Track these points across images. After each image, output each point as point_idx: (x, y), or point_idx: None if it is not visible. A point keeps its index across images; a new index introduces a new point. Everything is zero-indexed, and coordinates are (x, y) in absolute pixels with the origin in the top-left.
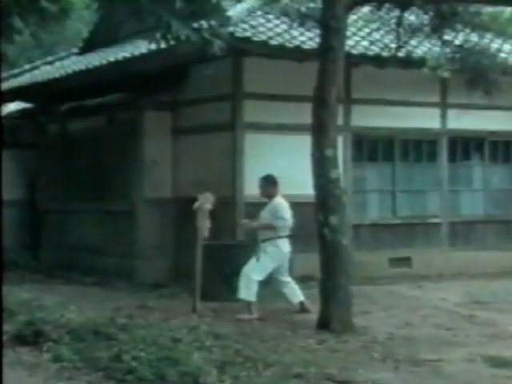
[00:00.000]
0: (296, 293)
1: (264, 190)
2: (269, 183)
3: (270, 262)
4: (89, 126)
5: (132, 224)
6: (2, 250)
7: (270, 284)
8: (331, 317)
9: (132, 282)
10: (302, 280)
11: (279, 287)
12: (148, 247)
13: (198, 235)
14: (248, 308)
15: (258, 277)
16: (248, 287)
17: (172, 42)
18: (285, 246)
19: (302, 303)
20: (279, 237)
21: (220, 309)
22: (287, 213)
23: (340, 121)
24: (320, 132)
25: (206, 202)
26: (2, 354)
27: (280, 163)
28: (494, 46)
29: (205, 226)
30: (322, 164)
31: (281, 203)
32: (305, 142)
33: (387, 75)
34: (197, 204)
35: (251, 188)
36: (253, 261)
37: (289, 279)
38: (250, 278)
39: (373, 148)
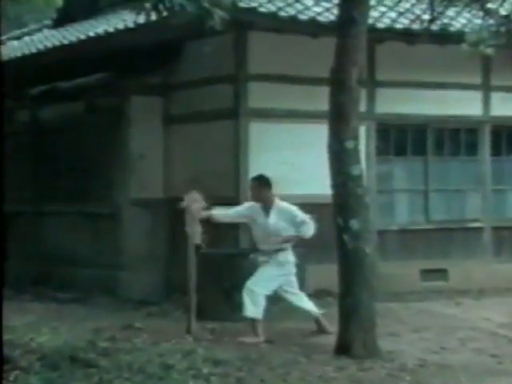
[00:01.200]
0: (311, 305)
1: (258, 193)
2: (264, 185)
3: (281, 274)
4: (64, 113)
5: (116, 229)
6: (3, 251)
7: (278, 300)
8: (352, 339)
9: (116, 297)
10: (318, 296)
11: (291, 301)
12: (135, 257)
13: (189, 243)
14: (254, 328)
15: (265, 291)
16: (254, 303)
17: (164, 14)
18: (292, 254)
19: (318, 321)
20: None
21: (220, 330)
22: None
23: (362, 107)
24: (339, 120)
25: (192, 203)
26: (2, 354)
27: (291, 157)
28: None
29: (195, 231)
30: (341, 158)
31: (289, 206)
32: (321, 132)
33: (418, 52)
34: (183, 205)
35: None
36: (260, 272)
37: (300, 292)
38: (256, 293)
39: (401, 139)
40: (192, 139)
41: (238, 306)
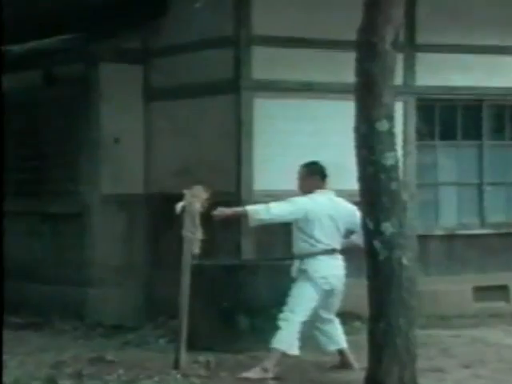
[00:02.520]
0: (340, 337)
1: (307, 184)
2: (316, 174)
3: (314, 292)
4: (18, 84)
5: (83, 234)
6: (2, 252)
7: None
8: (385, 375)
9: (82, 322)
10: (342, 319)
11: (318, 327)
12: (106, 269)
13: (185, 251)
14: (268, 360)
15: (301, 316)
16: (290, 332)
17: None
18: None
19: (342, 353)
20: (326, 251)
21: (217, 363)
22: None
23: (399, 78)
24: (368, 95)
25: (195, 201)
26: (1, 354)
27: (306, 142)
28: None
29: (194, 236)
30: (370, 144)
31: (348, 204)
32: (344, 110)
33: (471, 7)
34: (182, 205)
35: (264, 180)
36: (295, 296)
37: (335, 317)
38: (291, 321)
39: (448, 119)
40: (180, 119)
41: (240, 331)
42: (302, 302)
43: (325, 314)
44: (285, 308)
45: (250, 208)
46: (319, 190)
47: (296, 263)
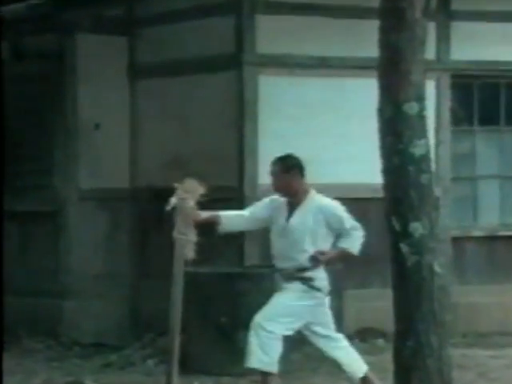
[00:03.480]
0: (355, 360)
1: (282, 181)
2: (292, 169)
3: (307, 305)
4: None
5: (57, 236)
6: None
7: (301, 343)
8: None
9: (56, 339)
10: (362, 337)
11: (323, 348)
12: (85, 278)
13: (176, 256)
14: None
15: (283, 330)
16: (266, 349)
17: None
18: (325, 277)
19: (364, 379)
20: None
21: None
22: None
23: (430, 52)
24: (394, 72)
25: (188, 197)
26: (2, 357)
27: (320, 128)
28: None
29: (188, 239)
30: (397, 130)
31: (331, 203)
32: (366, 89)
33: None
34: (173, 201)
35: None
36: (276, 302)
37: (337, 334)
38: (269, 333)
39: (489, 100)
40: (172, 101)
41: (241, 351)
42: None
43: (324, 331)
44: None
45: (222, 214)
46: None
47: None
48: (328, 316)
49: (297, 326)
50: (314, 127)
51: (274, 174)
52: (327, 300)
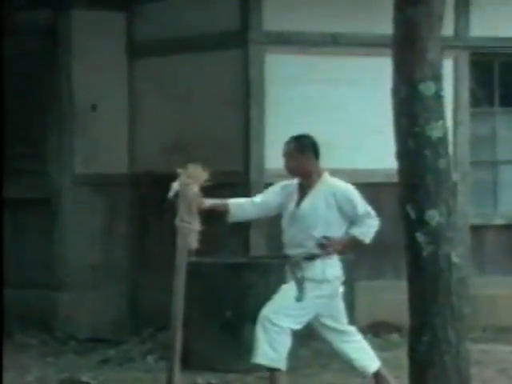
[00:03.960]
0: (366, 355)
1: (295, 163)
2: (305, 150)
3: (318, 296)
4: None
5: (50, 225)
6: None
7: (310, 338)
8: None
9: (51, 334)
10: (375, 332)
11: (334, 343)
12: (81, 269)
13: (179, 246)
14: (271, 382)
15: (291, 323)
16: (273, 344)
17: None
18: (339, 266)
19: (378, 376)
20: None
21: None
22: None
23: (448, 28)
24: (409, 50)
25: (191, 183)
26: (2, 354)
27: (331, 109)
28: None
29: (191, 228)
30: (412, 111)
31: (346, 186)
32: (379, 68)
33: None
34: (175, 188)
35: (278, 157)
36: (284, 294)
37: (350, 327)
38: (277, 327)
39: (510, 80)
40: (173, 81)
41: (247, 347)
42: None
43: (335, 324)
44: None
45: (231, 201)
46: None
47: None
48: (340, 308)
49: (306, 319)
50: (324, 109)
51: (287, 153)
52: (340, 291)
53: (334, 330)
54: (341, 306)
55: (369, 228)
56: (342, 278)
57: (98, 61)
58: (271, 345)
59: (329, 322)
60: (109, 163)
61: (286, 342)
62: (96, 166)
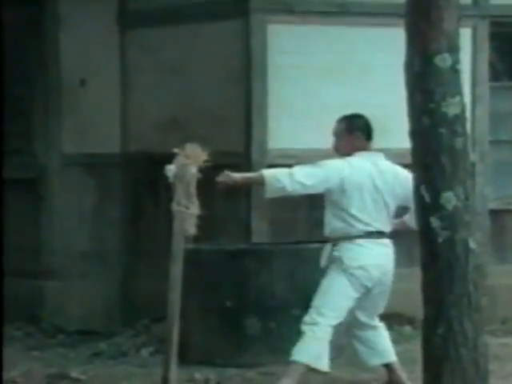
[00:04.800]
0: (386, 348)
1: (346, 143)
2: (358, 131)
3: (351, 287)
4: None
5: (37, 208)
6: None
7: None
8: None
9: (37, 325)
10: (388, 323)
11: (356, 334)
12: (69, 255)
13: (175, 232)
14: (288, 373)
15: (332, 319)
16: (318, 344)
17: None
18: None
19: (390, 369)
20: (368, 233)
21: (219, 382)
22: None
23: None
24: (423, 19)
25: (189, 163)
26: (2, 352)
27: (338, 83)
28: None
29: (188, 212)
30: (427, 86)
31: (400, 169)
32: (390, 39)
33: None
34: (172, 169)
35: (282, 136)
36: (326, 287)
37: (379, 322)
38: (319, 325)
39: None
40: (169, 53)
41: (249, 339)
42: (333, 301)
43: (364, 318)
44: (311, 309)
45: (267, 173)
46: (361, 152)
47: (327, 249)
48: (378, 303)
49: (345, 309)
50: (331, 84)
51: (336, 133)
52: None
53: (364, 324)
54: (379, 300)
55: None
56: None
57: (87, 31)
58: (315, 344)
59: (360, 315)
60: (99, 142)
61: (325, 338)
62: (86, 145)
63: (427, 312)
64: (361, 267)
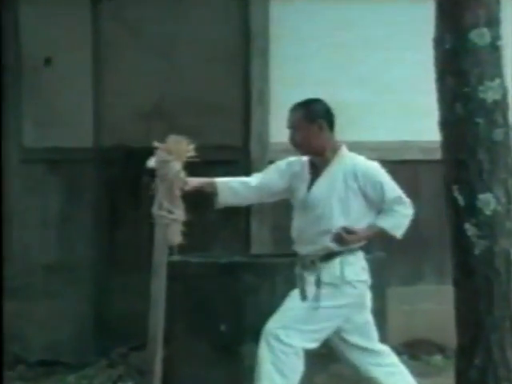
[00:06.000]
0: (406, 381)
1: (304, 135)
2: (316, 119)
3: (337, 307)
4: None
5: None
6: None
7: (328, 358)
8: None
9: None
10: (411, 352)
11: (361, 365)
12: (32, 270)
13: (157, 241)
14: None
15: (303, 342)
16: (279, 367)
17: None
18: (365, 266)
19: None
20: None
21: None
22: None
23: None
24: None
25: (172, 159)
26: (2, 360)
27: (348, 66)
28: None
29: (172, 217)
30: (461, 67)
31: (371, 165)
32: (415, 12)
33: None
34: (152, 165)
35: (285, 126)
36: (294, 302)
37: (382, 346)
38: (285, 346)
39: None
40: (153, 29)
41: (247, 370)
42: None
43: (363, 342)
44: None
45: (220, 181)
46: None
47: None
48: (369, 321)
49: (324, 335)
50: (340, 67)
51: (293, 124)
52: (368, 298)
53: (362, 349)
54: (369, 318)
55: (401, 218)
56: (369, 282)
57: (53, 3)
58: (278, 368)
59: (355, 339)
60: (68, 134)
61: (296, 365)
62: (51, 138)
63: (461, 338)
64: (354, 283)
